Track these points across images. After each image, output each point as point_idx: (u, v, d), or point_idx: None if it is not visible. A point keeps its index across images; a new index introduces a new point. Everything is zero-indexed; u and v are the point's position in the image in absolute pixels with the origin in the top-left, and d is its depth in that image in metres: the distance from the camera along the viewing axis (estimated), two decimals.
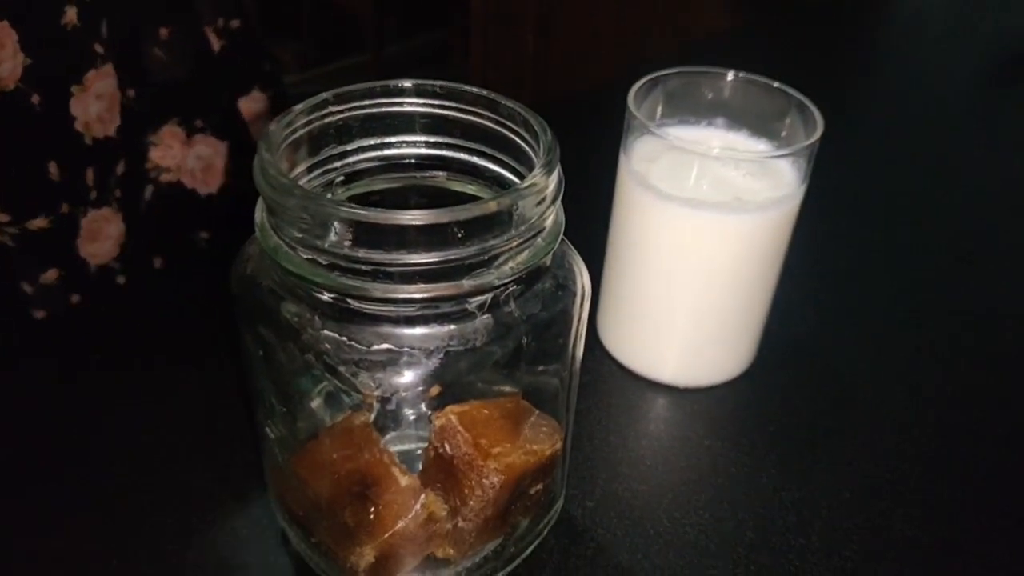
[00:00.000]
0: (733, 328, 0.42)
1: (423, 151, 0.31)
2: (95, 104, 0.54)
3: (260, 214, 0.27)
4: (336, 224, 0.25)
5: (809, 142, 0.38)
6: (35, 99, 0.50)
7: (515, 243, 0.26)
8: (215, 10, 0.60)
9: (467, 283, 0.26)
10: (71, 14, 0.51)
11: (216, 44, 0.60)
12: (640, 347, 0.43)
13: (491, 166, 0.31)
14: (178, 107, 0.59)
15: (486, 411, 0.28)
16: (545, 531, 0.35)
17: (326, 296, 0.26)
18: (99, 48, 0.53)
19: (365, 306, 0.26)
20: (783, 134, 0.41)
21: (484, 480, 0.28)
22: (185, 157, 0.61)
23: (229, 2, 0.61)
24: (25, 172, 0.52)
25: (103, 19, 0.53)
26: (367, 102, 0.30)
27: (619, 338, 0.43)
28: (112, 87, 0.55)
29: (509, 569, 0.34)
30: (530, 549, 0.34)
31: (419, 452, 0.31)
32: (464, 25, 1.70)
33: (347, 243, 0.25)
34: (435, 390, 0.27)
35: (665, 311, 0.41)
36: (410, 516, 0.28)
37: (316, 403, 0.31)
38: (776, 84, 0.41)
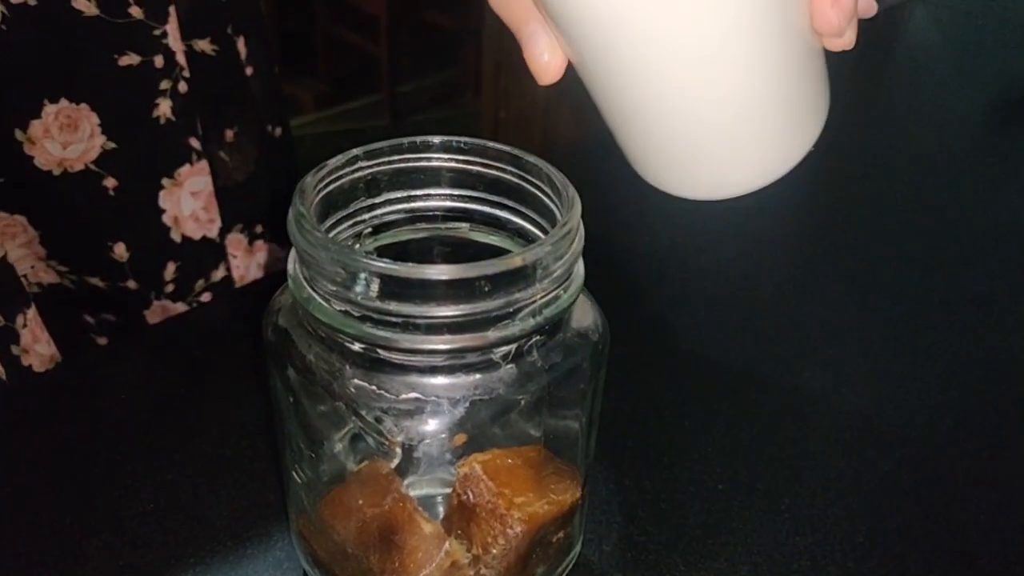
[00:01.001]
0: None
1: (448, 204, 0.32)
2: (190, 201, 0.54)
3: (293, 265, 0.28)
4: (368, 277, 0.26)
5: None
6: (109, 183, 0.51)
7: (539, 296, 0.27)
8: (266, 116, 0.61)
9: (492, 335, 0.27)
10: (164, 107, 0.51)
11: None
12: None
13: (513, 219, 0.32)
14: (240, 213, 0.60)
15: (510, 460, 0.29)
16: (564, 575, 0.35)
17: (357, 346, 0.27)
18: (195, 143, 0.54)
19: (394, 356, 0.27)
20: None
21: (507, 529, 0.28)
22: (248, 268, 0.62)
23: (276, 109, 0.62)
24: (86, 247, 0.53)
25: (197, 115, 0.54)
26: (395, 157, 0.31)
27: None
28: (208, 186, 0.55)
29: None
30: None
31: (441, 498, 0.32)
32: (476, 65, 1.73)
33: (378, 295, 0.26)
34: (460, 439, 0.28)
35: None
36: (434, 563, 0.29)
37: (342, 448, 0.32)
38: None
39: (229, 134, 0.58)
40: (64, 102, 0.48)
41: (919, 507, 0.40)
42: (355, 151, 0.31)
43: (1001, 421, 0.46)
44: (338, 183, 0.30)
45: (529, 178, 0.31)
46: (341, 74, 2.00)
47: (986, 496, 0.41)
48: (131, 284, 0.54)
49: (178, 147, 0.53)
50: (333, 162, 0.30)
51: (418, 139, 0.31)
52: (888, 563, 0.37)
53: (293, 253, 0.28)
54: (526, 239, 0.31)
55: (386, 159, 0.31)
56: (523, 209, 0.31)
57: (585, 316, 0.31)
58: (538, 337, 0.28)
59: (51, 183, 0.49)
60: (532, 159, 0.31)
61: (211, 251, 0.57)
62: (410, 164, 0.32)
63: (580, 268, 0.29)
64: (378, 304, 0.25)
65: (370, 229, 0.32)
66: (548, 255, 0.27)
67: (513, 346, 0.27)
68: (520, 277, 0.26)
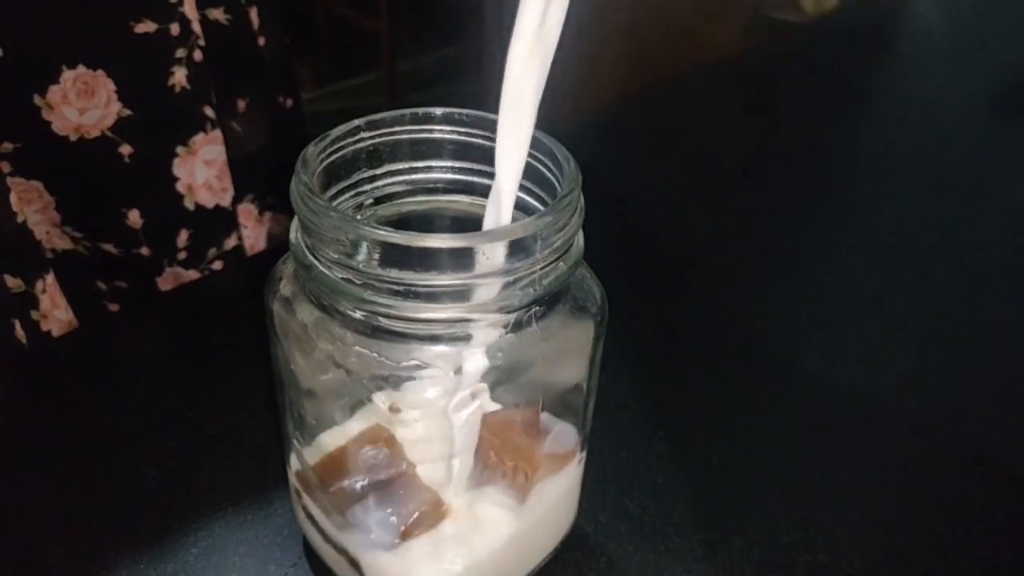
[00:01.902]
0: None
1: (449, 176, 0.33)
2: (203, 169, 0.55)
3: (295, 233, 0.29)
4: (369, 245, 0.26)
5: None
6: (124, 150, 0.51)
7: (539, 267, 0.27)
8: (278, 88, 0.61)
9: (492, 304, 0.27)
10: (180, 75, 0.51)
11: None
12: None
13: None
14: (251, 183, 0.60)
15: (510, 416, 0.30)
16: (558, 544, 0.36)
17: (358, 314, 0.27)
18: (209, 112, 0.54)
19: (395, 324, 0.27)
20: None
21: (510, 483, 0.29)
22: (258, 237, 0.62)
23: (288, 80, 0.62)
24: (101, 213, 0.53)
25: (211, 84, 0.54)
26: (397, 128, 0.31)
27: None
28: (221, 155, 0.56)
29: None
30: (544, 561, 0.35)
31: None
32: (478, 42, 1.72)
33: (379, 264, 0.26)
34: (460, 403, 0.28)
35: None
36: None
37: (343, 415, 0.33)
38: None
39: (241, 104, 0.58)
40: (81, 68, 0.48)
41: (911, 483, 0.41)
42: (357, 121, 0.31)
43: (998, 402, 0.47)
44: (340, 153, 0.30)
45: (531, 151, 0.31)
46: (341, 51, 1.99)
47: (980, 470, 0.42)
48: (144, 251, 0.55)
49: (192, 115, 0.53)
50: (335, 132, 0.30)
51: (420, 110, 0.32)
52: (878, 537, 0.38)
53: (295, 221, 0.29)
54: (527, 213, 0.32)
55: (388, 130, 0.31)
56: (524, 182, 0.32)
57: (585, 289, 0.31)
58: (537, 307, 0.28)
59: (67, 149, 0.50)
60: (534, 132, 0.31)
61: (224, 219, 0.57)
62: (412, 136, 0.32)
63: (580, 240, 0.29)
64: (379, 272, 0.26)
65: (371, 200, 0.32)
66: (548, 226, 0.27)
67: (513, 316, 0.28)
68: (520, 247, 0.27)
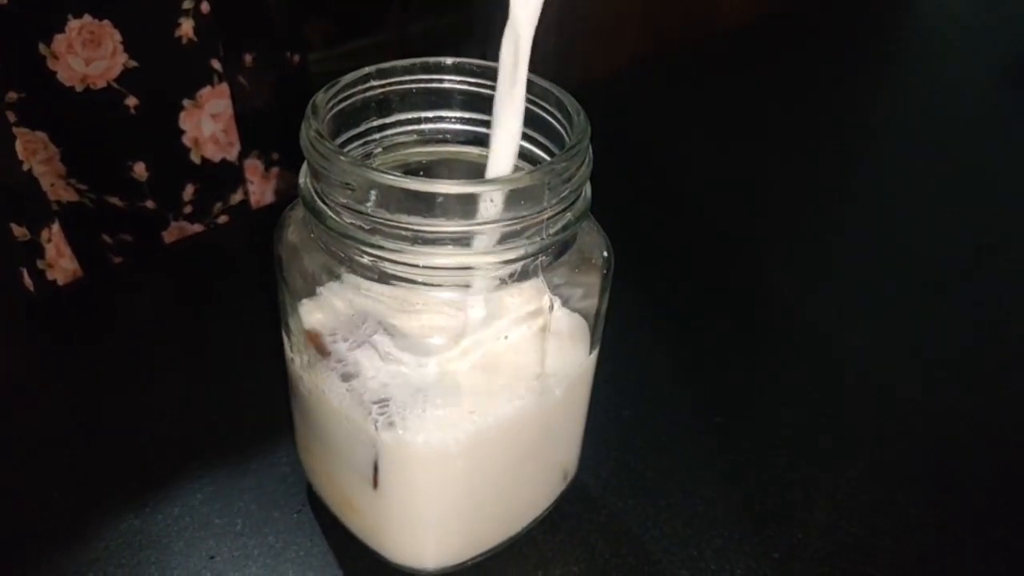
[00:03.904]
0: None
1: (458, 127, 0.32)
2: (210, 123, 0.54)
3: (304, 179, 0.29)
4: (378, 190, 0.26)
5: None
6: (130, 102, 0.51)
7: (546, 216, 0.27)
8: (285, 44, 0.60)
9: (499, 252, 0.27)
10: (187, 27, 0.51)
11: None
12: None
13: (523, 143, 0.32)
14: (258, 139, 0.59)
15: None
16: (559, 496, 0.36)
17: (365, 259, 0.27)
18: (216, 65, 0.53)
19: (402, 270, 0.27)
20: None
21: None
22: (264, 193, 0.61)
23: (296, 37, 0.61)
24: (106, 165, 0.53)
25: (219, 37, 0.53)
26: (407, 77, 0.31)
27: None
28: (228, 109, 0.55)
29: (523, 532, 0.35)
30: (544, 513, 0.36)
31: None
32: (486, 7, 1.70)
33: (387, 209, 0.26)
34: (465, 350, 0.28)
35: None
36: None
37: None
38: None
39: (248, 59, 0.58)
40: (88, 17, 0.48)
41: (911, 445, 0.41)
42: (368, 69, 0.31)
43: (999, 369, 0.47)
44: (350, 101, 0.30)
45: (540, 102, 0.31)
46: (349, 12, 1.97)
47: (977, 435, 0.42)
48: (149, 204, 0.55)
49: (199, 68, 0.53)
50: (346, 79, 0.30)
51: (431, 60, 0.31)
52: (878, 498, 0.38)
53: (305, 167, 0.29)
54: (536, 164, 0.32)
55: (398, 79, 0.31)
56: (533, 134, 0.32)
57: (591, 242, 0.31)
58: (544, 257, 0.28)
59: (73, 100, 0.49)
60: (544, 83, 0.31)
61: (230, 174, 0.57)
62: (422, 85, 0.32)
63: (587, 191, 0.29)
64: (387, 217, 0.26)
65: (380, 149, 0.32)
66: (557, 175, 0.27)
67: (519, 265, 0.28)
68: (528, 196, 0.27)
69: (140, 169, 0.53)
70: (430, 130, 0.32)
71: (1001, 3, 0.94)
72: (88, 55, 0.48)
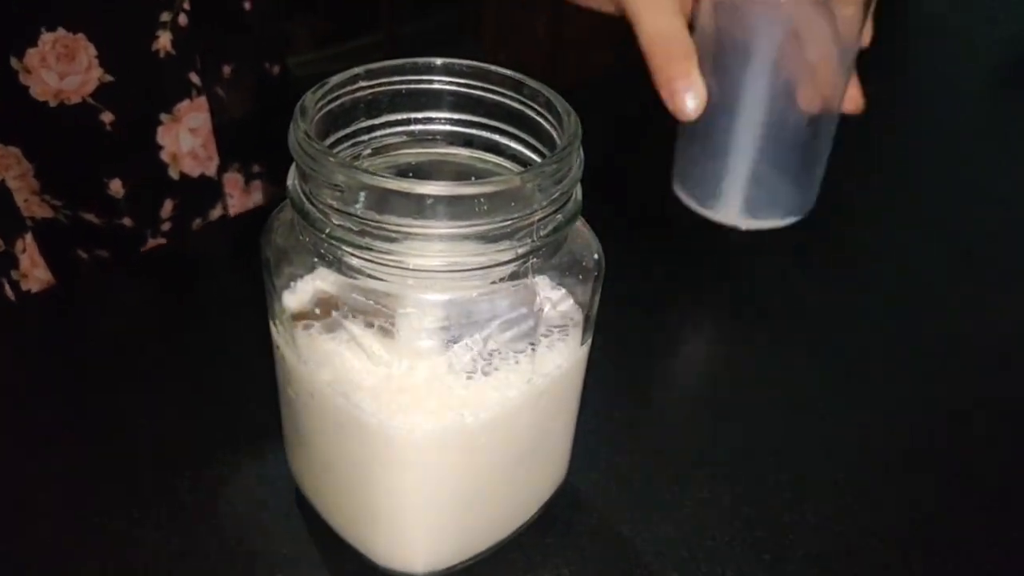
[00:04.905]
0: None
1: (448, 128, 0.32)
2: (188, 138, 0.53)
3: (293, 181, 0.28)
4: (367, 192, 0.26)
5: None
6: (105, 117, 0.50)
7: (536, 218, 0.27)
8: (264, 54, 0.59)
9: (489, 253, 0.27)
10: (164, 40, 0.50)
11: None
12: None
13: (513, 145, 0.32)
14: (237, 152, 0.58)
15: None
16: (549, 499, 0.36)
17: (354, 261, 0.27)
18: (194, 79, 0.52)
19: (391, 271, 0.27)
20: None
21: None
22: (244, 207, 0.60)
23: (275, 46, 0.60)
24: (81, 182, 0.52)
25: (197, 50, 0.52)
26: (396, 78, 0.31)
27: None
28: (206, 122, 0.54)
29: (514, 535, 0.35)
30: (535, 516, 0.36)
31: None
32: (476, 7, 1.70)
33: (376, 210, 0.26)
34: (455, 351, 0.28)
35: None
36: None
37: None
38: None
39: (227, 70, 0.57)
40: (62, 31, 0.46)
41: (898, 448, 0.41)
42: (357, 69, 0.30)
43: (992, 361, 0.47)
44: (339, 102, 0.30)
45: (531, 104, 0.31)
46: (339, 13, 1.96)
47: (967, 430, 0.42)
48: (126, 221, 0.54)
49: (177, 82, 0.52)
50: (334, 80, 0.30)
51: (420, 60, 0.31)
52: (864, 500, 0.38)
53: (293, 168, 0.28)
54: (526, 166, 0.31)
55: (387, 79, 0.31)
56: (524, 135, 0.31)
57: (582, 243, 0.31)
58: (535, 259, 0.28)
59: (47, 115, 0.48)
60: (535, 84, 0.31)
61: (209, 189, 0.56)
62: (411, 86, 0.31)
63: (578, 193, 0.29)
64: (377, 218, 0.26)
65: (369, 151, 0.32)
66: (547, 177, 0.27)
67: (510, 266, 0.28)
68: (518, 198, 0.27)
69: (116, 186, 0.52)
70: (420, 131, 0.32)
71: (996, 3, 0.95)
72: (62, 69, 0.47)
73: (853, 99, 0.45)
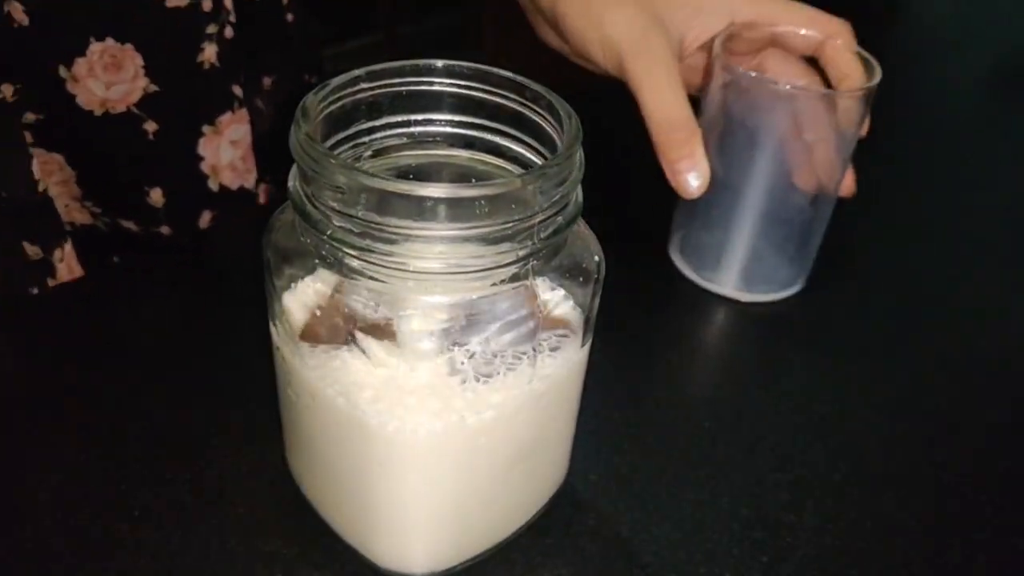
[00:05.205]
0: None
1: (449, 130, 0.32)
2: (229, 150, 0.53)
3: (294, 182, 0.28)
4: (368, 193, 0.26)
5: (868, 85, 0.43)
6: (149, 127, 0.50)
7: (537, 220, 0.27)
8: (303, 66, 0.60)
9: (489, 256, 0.27)
10: (210, 52, 0.50)
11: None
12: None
13: (514, 147, 0.32)
14: (272, 163, 0.58)
15: None
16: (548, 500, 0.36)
17: (356, 262, 0.27)
18: (237, 91, 0.53)
19: (392, 273, 0.27)
20: None
21: None
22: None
23: (314, 59, 0.60)
24: (123, 190, 0.53)
25: (241, 62, 0.52)
26: (397, 80, 0.31)
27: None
28: (247, 135, 0.54)
29: (513, 536, 0.35)
30: (534, 518, 0.36)
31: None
32: (477, 11, 1.70)
33: (377, 211, 0.26)
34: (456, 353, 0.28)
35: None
36: None
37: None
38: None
39: (267, 81, 0.57)
40: (110, 41, 0.47)
41: (896, 449, 0.41)
42: (357, 71, 0.31)
43: (987, 366, 0.47)
44: (340, 104, 0.30)
45: (532, 106, 0.31)
46: (339, 13, 1.96)
47: (961, 436, 0.42)
48: (164, 230, 0.54)
49: (220, 94, 0.52)
50: (335, 82, 0.30)
51: (421, 62, 0.31)
52: (863, 501, 0.38)
53: (294, 170, 0.28)
54: (527, 168, 0.32)
55: (388, 81, 0.31)
56: (525, 137, 0.32)
57: (582, 246, 0.31)
58: (535, 261, 0.28)
59: (92, 123, 0.49)
60: (536, 87, 0.31)
61: (247, 201, 0.57)
62: (412, 88, 0.32)
63: (579, 195, 0.29)
64: (378, 220, 0.26)
65: (370, 153, 0.32)
66: (548, 179, 0.27)
67: (511, 268, 0.28)
68: (519, 200, 0.27)
69: (157, 195, 0.53)
70: (420, 133, 0.32)
71: (992, 3, 0.95)
72: (109, 79, 0.48)
73: (847, 187, 0.48)
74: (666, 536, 0.36)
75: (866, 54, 0.45)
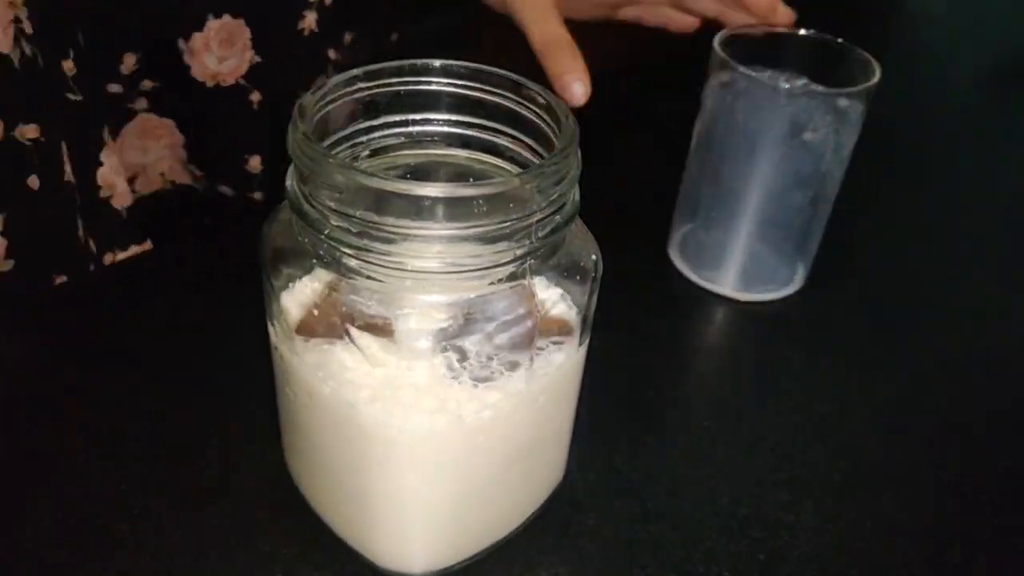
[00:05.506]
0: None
1: (446, 129, 0.32)
2: None
3: (292, 181, 0.29)
4: (365, 193, 0.26)
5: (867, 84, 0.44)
6: (254, 97, 0.53)
7: (534, 219, 0.27)
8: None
9: (487, 255, 0.27)
10: (310, 19, 0.53)
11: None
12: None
13: (512, 146, 0.32)
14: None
15: None
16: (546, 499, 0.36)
17: (353, 262, 0.27)
18: (331, 54, 0.55)
19: (389, 272, 0.27)
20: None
21: None
22: None
23: (393, 15, 0.63)
24: (225, 156, 0.55)
25: (338, 26, 0.55)
26: (395, 80, 0.31)
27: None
28: None
29: (511, 535, 0.35)
30: (532, 517, 0.36)
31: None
32: (477, 9, 1.70)
33: (375, 211, 0.26)
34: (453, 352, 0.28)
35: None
36: None
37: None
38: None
39: (347, 37, 0.58)
40: (227, 17, 0.50)
41: (894, 449, 0.41)
42: (355, 71, 0.31)
43: (987, 366, 0.47)
44: (337, 103, 0.30)
45: (529, 106, 0.31)
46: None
47: (961, 437, 0.42)
48: (257, 195, 0.56)
49: (316, 58, 0.54)
50: (333, 81, 0.30)
51: (419, 62, 0.31)
52: (863, 501, 0.38)
53: (291, 169, 0.29)
54: (524, 168, 0.32)
55: (386, 81, 0.31)
56: (523, 137, 0.32)
57: (580, 245, 0.31)
58: (532, 260, 0.28)
59: (203, 94, 0.51)
60: (533, 86, 0.31)
61: None
62: (409, 87, 0.32)
63: (576, 194, 0.30)
64: (376, 219, 0.26)
65: (368, 152, 0.32)
66: (545, 178, 0.27)
67: (508, 267, 0.28)
68: (516, 200, 0.27)
69: (256, 162, 0.55)
70: (418, 133, 0.32)
71: (992, 3, 0.95)
72: (222, 54, 0.50)
73: (785, 14, 0.50)
74: (665, 535, 0.36)
75: (866, 54, 0.45)
